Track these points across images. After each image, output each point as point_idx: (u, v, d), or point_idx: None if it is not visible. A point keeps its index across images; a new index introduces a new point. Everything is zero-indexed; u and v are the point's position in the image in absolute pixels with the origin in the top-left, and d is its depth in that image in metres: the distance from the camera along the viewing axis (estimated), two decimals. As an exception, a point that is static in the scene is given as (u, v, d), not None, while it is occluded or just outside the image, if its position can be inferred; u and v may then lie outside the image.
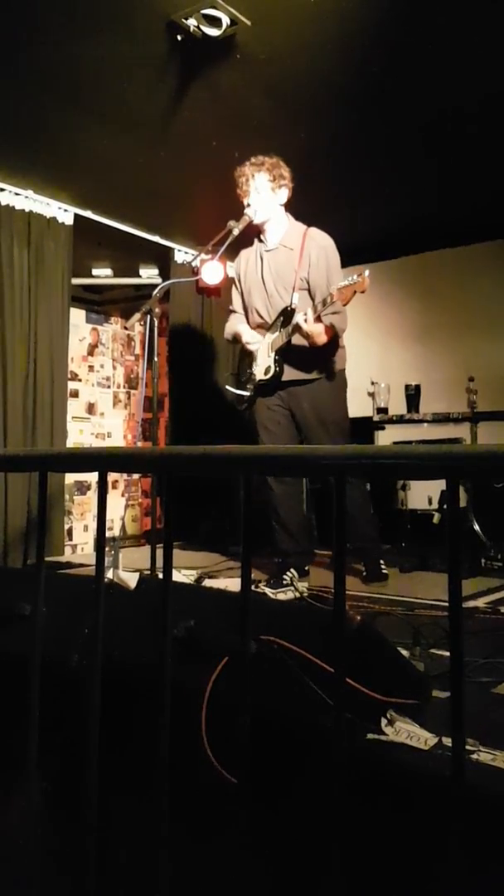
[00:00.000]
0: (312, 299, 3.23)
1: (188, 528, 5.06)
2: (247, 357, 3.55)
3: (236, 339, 3.57)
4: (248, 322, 3.54)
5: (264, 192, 3.30)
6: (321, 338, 3.14)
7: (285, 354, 3.29)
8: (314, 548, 3.85)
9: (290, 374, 3.31)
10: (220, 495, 5.05)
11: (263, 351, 3.38)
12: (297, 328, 3.12)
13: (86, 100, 3.61)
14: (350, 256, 3.45)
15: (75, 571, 3.79)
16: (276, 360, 3.30)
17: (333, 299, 2.92)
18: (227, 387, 3.63)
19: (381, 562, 3.45)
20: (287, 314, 3.25)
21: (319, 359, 3.30)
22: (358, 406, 4.76)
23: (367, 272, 2.88)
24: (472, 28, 3.06)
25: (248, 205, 3.31)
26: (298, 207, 3.43)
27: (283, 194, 3.35)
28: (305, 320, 3.07)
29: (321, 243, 3.30)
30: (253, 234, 3.47)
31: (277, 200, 3.34)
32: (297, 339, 3.24)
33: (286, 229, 3.38)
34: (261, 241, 3.45)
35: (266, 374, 3.35)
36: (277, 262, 3.36)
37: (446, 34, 3.11)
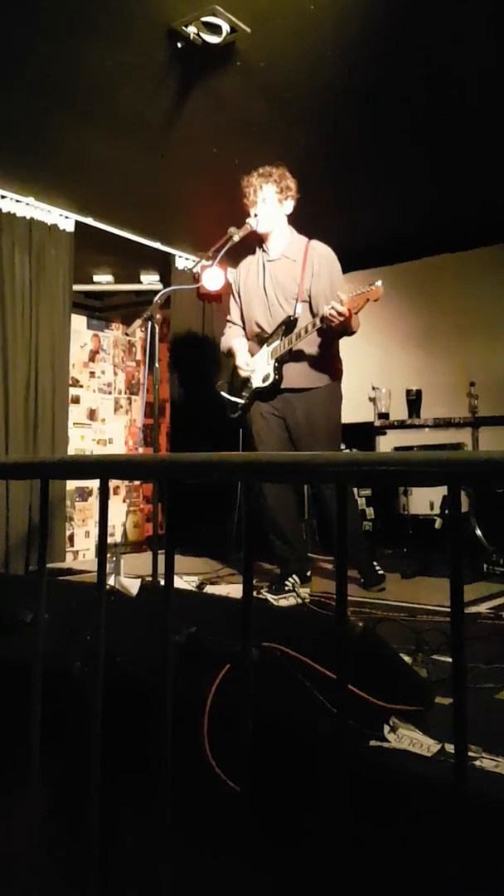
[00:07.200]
0: (312, 311, 3.26)
1: (189, 534, 5.05)
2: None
3: (230, 354, 3.57)
4: (246, 333, 3.55)
5: (271, 203, 3.34)
6: (353, 319, 3.08)
7: (284, 363, 3.32)
8: (311, 554, 3.85)
9: (286, 381, 3.34)
10: (221, 502, 5.05)
11: (262, 359, 3.40)
12: (333, 311, 2.98)
13: (87, 107, 3.62)
14: (351, 262, 3.46)
15: (77, 578, 3.78)
16: (275, 368, 3.32)
17: (343, 304, 2.95)
18: (222, 393, 3.62)
19: (375, 563, 3.46)
20: (289, 324, 3.28)
21: (316, 369, 3.34)
22: (359, 411, 4.77)
23: (379, 282, 2.96)
24: (471, 34, 3.07)
25: (255, 214, 3.34)
26: (298, 213, 3.44)
27: (289, 206, 3.39)
28: (341, 302, 2.98)
29: (324, 255, 3.34)
30: (255, 242, 3.49)
31: (283, 211, 3.39)
32: (300, 346, 3.26)
33: (289, 240, 3.41)
34: (263, 250, 3.48)
35: (265, 381, 3.36)
36: (279, 272, 3.39)
37: (444, 40, 3.12)
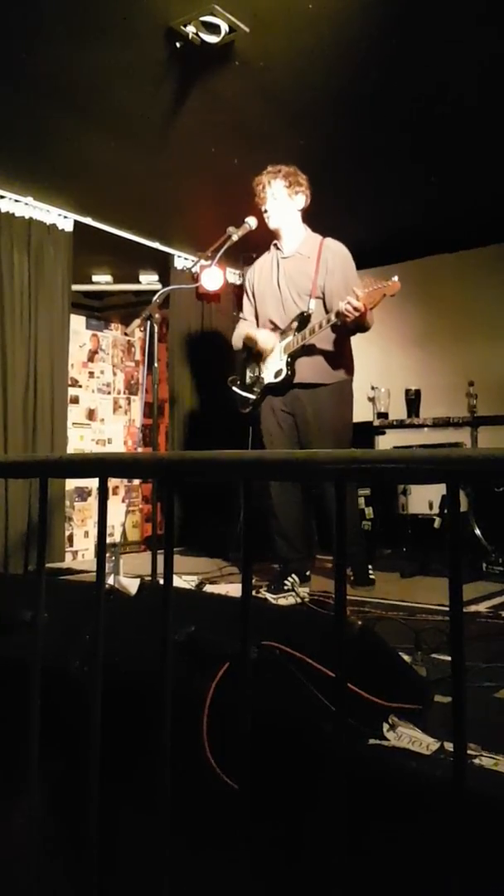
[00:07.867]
0: (325, 308, 3.28)
1: (189, 533, 5.05)
2: (252, 361, 3.55)
3: (248, 340, 3.51)
4: None
5: (281, 198, 3.36)
6: (368, 314, 3.11)
7: (297, 358, 3.33)
8: (314, 553, 3.84)
9: (298, 377, 3.35)
10: (220, 501, 5.05)
11: (275, 354, 3.40)
12: (349, 305, 3.01)
13: (85, 106, 3.62)
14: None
15: (76, 578, 3.78)
16: (287, 363, 3.33)
17: (359, 299, 2.96)
18: (234, 388, 3.61)
19: (370, 566, 3.45)
20: (303, 319, 3.29)
21: (328, 365, 3.34)
22: (358, 411, 4.76)
23: (395, 277, 3.01)
24: (469, 34, 3.07)
25: (266, 211, 3.37)
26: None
27: (301, 200, 3.41)
28: (357, 297, 3.00)
29: (338, 252, 3.36)
30: (264, 241, 3.51)
31: (294, 206, 3.40)
32: (313, 342, 3.27)
33: (303, 238, 3.43)
34: (277, 248, 3.49)
35: (277, 376, 3.37)
36: (293, 268, 3.40)
37: (443, 41, 3.12)
